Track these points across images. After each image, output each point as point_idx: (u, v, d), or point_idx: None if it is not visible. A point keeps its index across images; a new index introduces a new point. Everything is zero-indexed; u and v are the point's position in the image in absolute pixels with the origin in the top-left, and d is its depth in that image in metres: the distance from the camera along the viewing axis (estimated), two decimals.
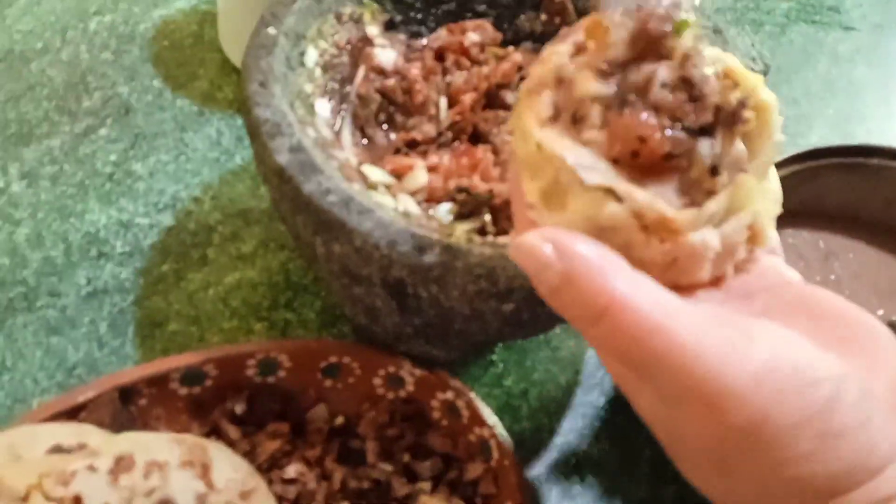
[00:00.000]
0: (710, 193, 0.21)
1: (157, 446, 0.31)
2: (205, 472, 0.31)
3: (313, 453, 0.35)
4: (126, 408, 0.35)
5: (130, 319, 0.41)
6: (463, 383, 0.35)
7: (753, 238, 0.23)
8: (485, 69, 0.40)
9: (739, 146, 0.22)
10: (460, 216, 0.35)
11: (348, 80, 0.39)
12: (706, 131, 0.21)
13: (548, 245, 0.20)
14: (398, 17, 0.41)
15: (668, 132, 0.21)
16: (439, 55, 0.41)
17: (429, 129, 0.39)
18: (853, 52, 0.59)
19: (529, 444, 0.39)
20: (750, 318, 0.21)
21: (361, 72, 0.39)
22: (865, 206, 0.42)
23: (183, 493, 0.30)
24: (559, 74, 0.22)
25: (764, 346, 0.19)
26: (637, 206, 0.21)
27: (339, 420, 0.36)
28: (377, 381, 0.36)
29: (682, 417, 0.20)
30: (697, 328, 0.19)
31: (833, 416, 0.19)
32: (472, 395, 0.35)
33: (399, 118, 0.39)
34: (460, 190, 0.35)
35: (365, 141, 0.39)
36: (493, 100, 0.39)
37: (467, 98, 0.38)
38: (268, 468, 0.34)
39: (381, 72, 0.39)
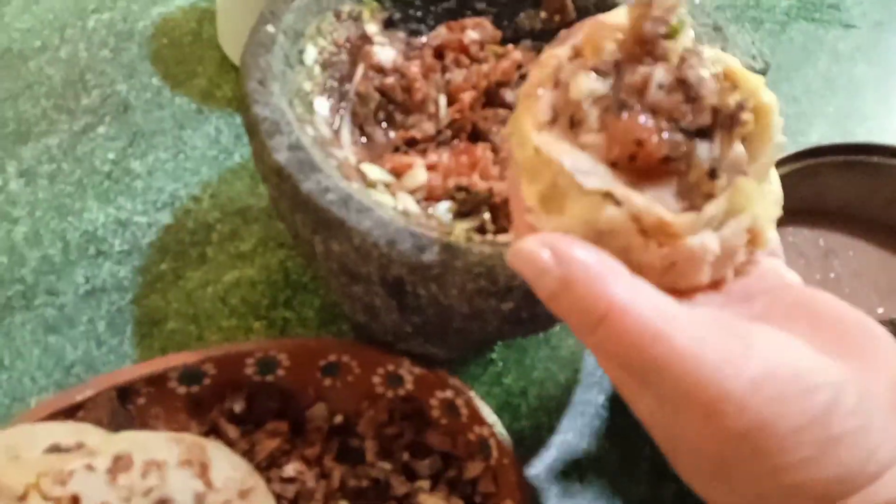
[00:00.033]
0: (710, 196, 0.21)
1: (155, 445, 0.31)
2: (203, 471, 0.31)
3: (312, 452, 0.35)
4: (124, 407, 0.35)
5: (129, 318, 0.41)
6: (462, 382, 0.35)
7: (753, 240, 0.22)
8: (484, 67, 0.39)
9: (739, 148, 0.22)
10: (459, 215, 0.35)
11: (347, 78, 0.39)
12: (704, 134, 0.21)
13: (546, 251, 0.20)
14: (397, 15, 0.41)
15: (666, 135, 0.21)
16: (439, 53, 0.40)
17: (428, 128, 0.38)
18: (853, 50, 0.59)
19: (529, 442, 0.39)
20: (749, 323, 0.21)
21: (360, 70, 0.39)
22: (865, 204, 0.42)
23: (181, 492, 0.30)
24: (557, 77, 0.22)
25: (763, 352, 0.19)
26: (635, 210, 0.21)
27: (339, 419, 0.36)
28: (376, 379, 0.36)
29: (681, 423, 0.20)
30: (696, 334, 0.19)
31: (832, 422, 0.19)
32: (472, 393, 0.35)
33: (398, 116, 0.39)
34: (459, 188, 0.35)
35: (364, 139, 0.39)
36: (492, 98, 0.39)
37: (467, 96, 0.38)
38: (267, 467, 0.34)
39: (381, 70, 0.39)
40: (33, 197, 0.45)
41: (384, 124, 0.39)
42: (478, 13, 0.42)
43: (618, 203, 0.21)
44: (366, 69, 0.39)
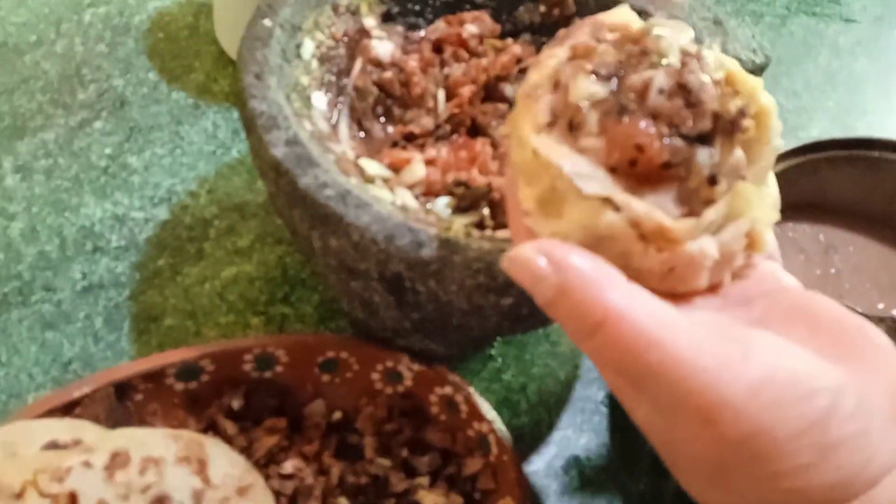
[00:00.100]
0: (709, 201, 0.21)
1: (153, 442, 0.31)
2: (201, 467, 0.31)
3: (311, 448, 0.35)
4: (122, 403, 0.34)
5: (126, 314, 0.41)
6: (461, 378, 0.35)
7: (751, 244, 0.22)
8: (483, 61, 0.39)
9: (738, 153, 0.22)
10: (458, 210, 0.34)
11: (345, 72, 0.39)
12: (705, 139, 0.21)
13: (542, 258, 0.20)
14: (395, 9, 0.41)
15: (667, 141, 0.21)
16: (437, 47, 0.40)
17: (427, 122, 0.38)
18: (854, 45, 0.58)
19: (528, 438, 0.39)
20: (747, 328, 0.21)
21: (358, 64, 0.39)
22: (866, 199, 0.41)
23: (179, 489, 0.30)
24: (556, 79, 0.22)
25: (761, 357, 0.19)
26: (635, 216, 0.20)
27: (337, 415, 0.36)
28: (375, 375, 0.36)
29: (678, 429, 0.20)
30: (693, 340, 0.19)
31: (830, 427, 0.19)
32: (471, 389, 0.35)
33: (396, 111, 0.39)
34: (458, 183, 0.35)
35: (362, 134, 0.38)
36: (491, 92, 0.39)
37: (465, 90, 0.38)
38: (265, 463, 0.34)
39: (379, 64, 0.39)
40: (29, 192, 0.45)
41: (382, 119, 0.39)
42: (476, 7, 0.42)
43: (617, 208, 0.21)
44: (364, 63, 0.39)
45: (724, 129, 0.21)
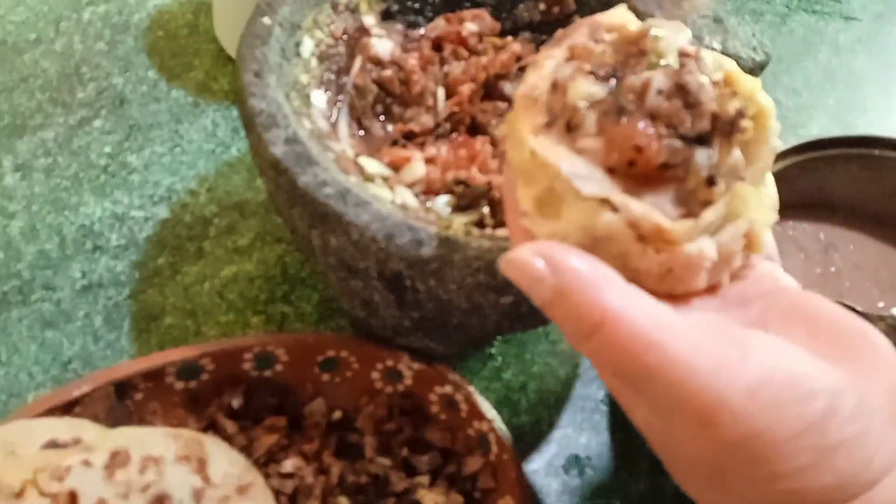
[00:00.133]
0: (707, 202, 0.21)
1: (152, 441, 0.31)
2: (201, 466, 0.31)
3: (311, 447, 0.35)
4: (121, 402, 0.34)
5: (126, 313, 0.41)
6: (461, 377, 0.35)
7: (750, 245, 0.22)
8: (483, 59, 0.39)
9: (736, 154, 0.22)
10: (458, 208, 0.34)
11: (345, 70, 0.39)
12: (703, 140, 0.21)
13: (539, 260, 0.20)
14: (395, 7, 0.41)
15: (665, 142, 0.21)
16: (437, 45, 0.40)
17: (426, 121, 0.38)
18: (854, 42, 0.58)
19: (528, 437, 0.39)
20: (745, 329, 0.21)
21: (358, 62, 0.39)
22: (866, 198, 0.41)
23: (179, 488, 0.30)
24: (555, 79, 0.22)
25: (759, 358, 0.19)
26: (633, 217, 0.20)
27: (337, 414, 0.36)
28: (375, 374, 0.36)
29: (676, 430, 0.20)
30: (691, 342, 0.19)
31: (828, 429, 0.19)
32: (471, 388, 0.35)
33: (396, 109, 0.39)
34: (458, 182, 0.35)
35: (362, 132, 0.38)
36: (491, 90, 0.39)
37: (465, 89, 0.38)
38: (265, 462, 0.34)
39: (378, 62, 0.39)
40: (29, 191, 0.45)
41: (382, 117, 0.39)
42: (476, 5, 0.42)
43: (615, 209, 0.20)
44: (363, 61, 0.39)
45: (723, 129, 0.21)
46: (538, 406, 0.40)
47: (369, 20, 0.40)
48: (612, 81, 0.21)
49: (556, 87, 0.22)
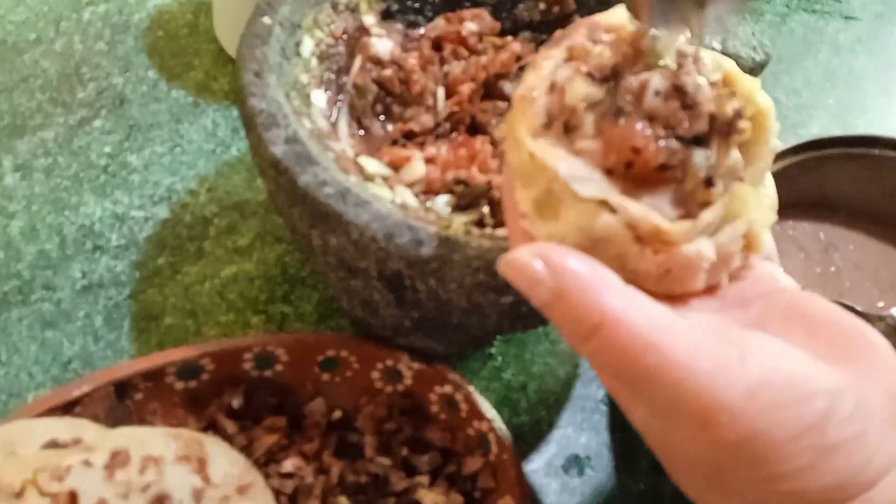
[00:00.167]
0: (706, 203, 0.21)
1: (153, 441, 0.31)
2: (201, 466, 0.31)
3: (311, 447, 0.35)
4: (122, 402, 0.34)
5: (126, 313, 0.41)
6: (461, 377, 0.35)
7: (748, 245, 0.22)
8: (483, 59, 0.39)
9: (735, 154, 0.22)
10: (458, 208, 0.34)
11: (345, 70, 0.39)
12: (701, 141, 0.21)
13: (538, 261, 0.20)
14: (395, 7, 0.41)
15: (663, 143, 0.21)
16: (437, 45, 0.40)
17: (426, 120, 0.38)
18: (854, 42, 0.58)
19: (528, 437, 0.39)
20: (744, 330, 0.21)
21: (358, 62, 0.39)
22: (866, 197, 0.41)
23: (179, 488, 0.30)
24: (553, 80, 0.22)
25: (758, 359, 0.19)
26: (631, 218, 0.20)
27: (337, 414, 0.36)
28: (375, 374, 0.36)
29: (676, 432, 0.20)
30: (690, 343, 0.19)
31: (828, 430, 0.19)
32: (471, 388, 0.35)
33: (396, 109, 0.39)
34: (458, 181, 0.35)
35: (362, 132, 0.38)
36: (491, 90, 0.39)
37: (465, 88, 0.38)
38: (265, 462, 0.34)
39: (378, 62, 0.39)
40: (29, 191, 0.45)
41: (382, 117, 0.39)
42: (476, 4, 0.42)
43: (613, 210, 0.20)
44: (363, 61, 0.39)
45: (721, 130, 0.21)
46: (538, 406, 0.40)
47: (369, 20, 0.40)
48: (611, 83, 0.21)
49: (555, 88, 0.22)
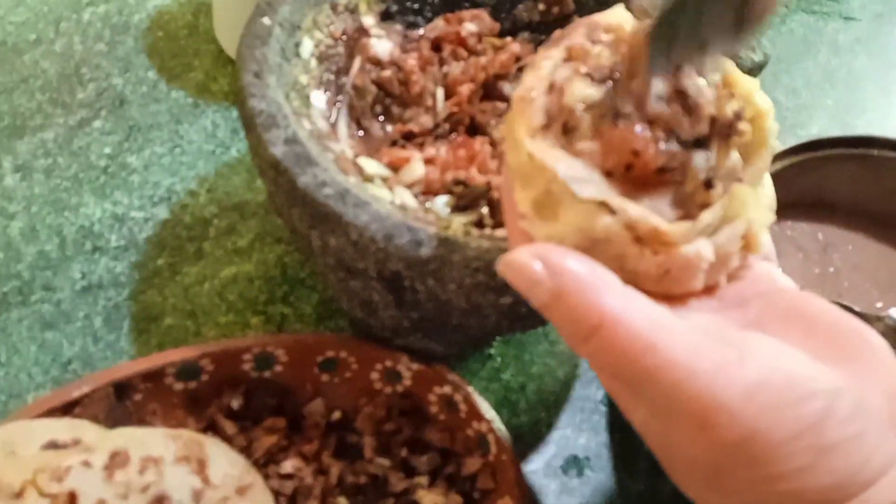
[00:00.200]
0: (705, 204, 0.21)
1: (152, 442, 0.31)
2: (201, 467, 0.31)
3: (310, 448, 0.35)
4: (121, 403, 0.34)
5: (125, 314, 0.41)
6: (461, 377, 0.35)
7: (747, 245, 0.22)
8: (482, 60, 0.39)
9: (734, 156, 0.22)
10: (457, 209, 0.34)
11: (344, 71, 0.39)
12: (701, 143, 0.21)
13: (537, 262, 0.20)
14: (394, 7, 0.41)
15: (663, 146, 0.21)
16: (436, 45, 0.40)
17: (426, 121, 0.38)
18: (853, 42, 0.58)
19: (527, 438, 0.39)
20: (743, 331, 0.21)
21: (357, 63, 0.39)
22: (865, 198, 0.41)
23: (179, 488, 0.30)
24: (552, 81, 0.22)
25: (757, 360, 0.19)
26: (630, 219, 0.20)
27: (336, 415, 0.36)
28: (374, 375, 0.36)
29: (675, 432, 0.20)
30: (689, 343, 0.19)
31: (826, 430, 0.19)
32: (470, 389, 0.35)
33: (395, 110, 0.39)
34: (457, 182, 0.35)
35: (361, 133, 0.38)
36: (490, 91, 0.39)
37: (464, 89, 0.38)
38: (264, 463, 0.34)
39: (378, 63, 0.39)
40: (29, 192, 0.45)
41: (381, 118, 0.39)
42: (476, 5, 0.42)
43: (612, 212, 0.21)
44: (362, 62, 0.39)
45: (721, 132, 0.21)
46: (537, 407, 0.40)
47: (368, 21, 0.40)
48: (610, 83, 0.21)
49: (554, 88, 0.22)
